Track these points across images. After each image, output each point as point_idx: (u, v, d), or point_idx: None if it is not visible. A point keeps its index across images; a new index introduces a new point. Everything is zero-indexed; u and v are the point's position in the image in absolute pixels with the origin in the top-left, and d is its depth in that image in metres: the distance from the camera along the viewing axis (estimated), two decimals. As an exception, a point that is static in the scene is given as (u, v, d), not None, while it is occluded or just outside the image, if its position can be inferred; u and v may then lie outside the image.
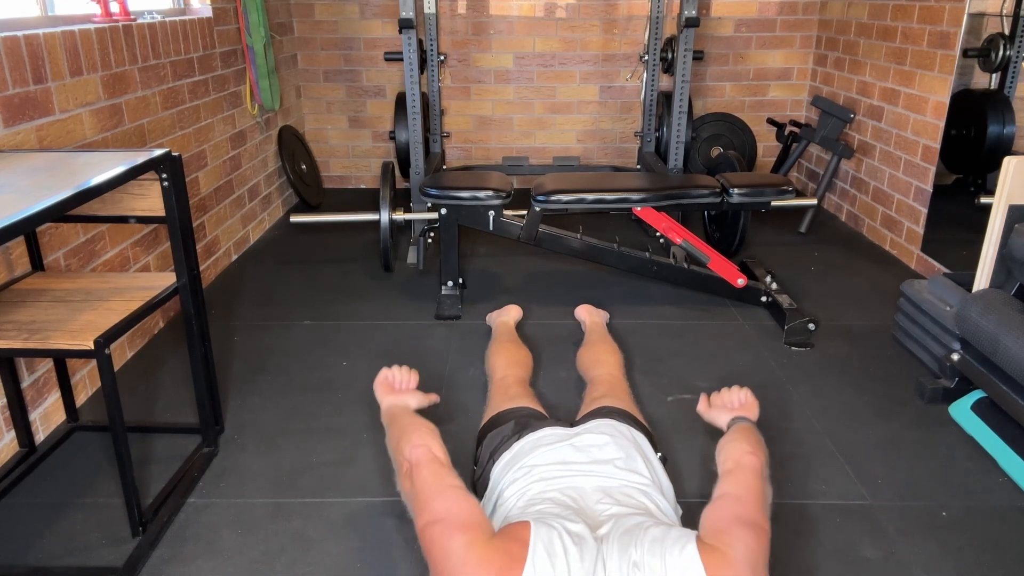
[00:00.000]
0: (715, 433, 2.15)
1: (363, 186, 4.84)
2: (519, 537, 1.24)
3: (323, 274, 3.35)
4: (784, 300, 2.83)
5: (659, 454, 1.74)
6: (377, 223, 3.15)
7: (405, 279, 3.31)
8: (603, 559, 1.22)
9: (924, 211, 3.34)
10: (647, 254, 2.98)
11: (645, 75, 4.17)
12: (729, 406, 1.78)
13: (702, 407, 1.83)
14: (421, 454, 1.43)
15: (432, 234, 3.55)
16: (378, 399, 1.73)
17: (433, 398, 1.79)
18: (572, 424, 1.81)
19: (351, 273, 3.36)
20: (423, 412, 1.70)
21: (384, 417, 1.68)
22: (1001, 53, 3.23)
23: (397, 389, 1.75)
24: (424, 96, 3.96)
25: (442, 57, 4.27)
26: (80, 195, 1.46)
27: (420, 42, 3.66)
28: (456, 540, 1.23)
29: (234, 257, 3.55)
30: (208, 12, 3.29)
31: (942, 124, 3.20)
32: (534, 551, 1.22)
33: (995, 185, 2.17)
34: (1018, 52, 3.20)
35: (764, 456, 1.53)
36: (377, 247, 3.48)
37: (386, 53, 3.72)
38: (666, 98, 4.02)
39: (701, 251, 2.92)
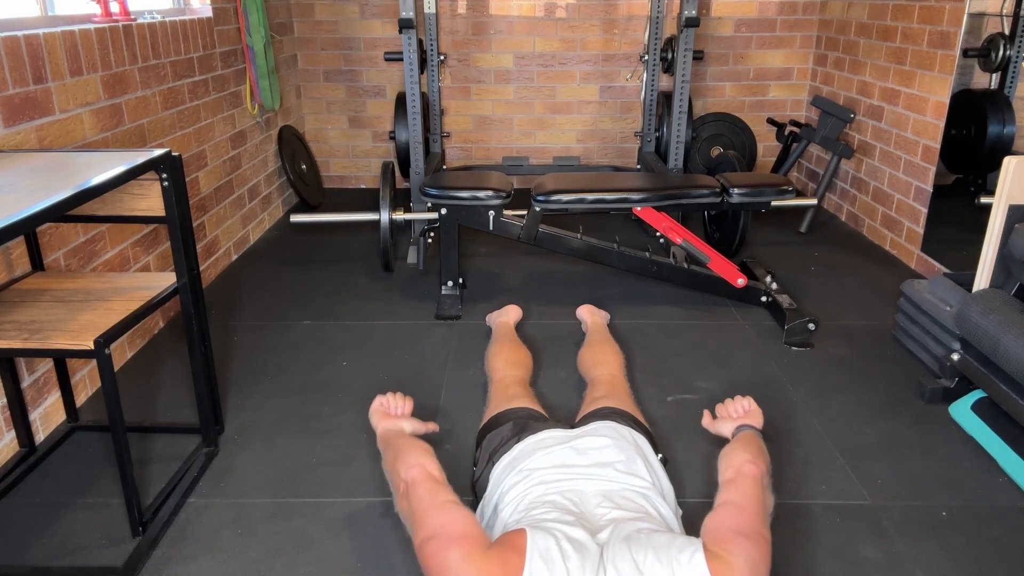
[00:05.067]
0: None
1: (363, 186, 4.84)
2: (515, 546, 1.25)
3: (323, 274, 3.35)
4: (784, 300, 2.83)
5: (660, 455, 1.74)
6: (377, 223, 3.15)
7: (405, 279, 3.31)
8: (604, 566, 1.22)
9: (924, 211, 3.34)
10: (647, 254, 2.97)
11: (645, 75, 4.17)
12: (734, 415, 1.80)
13: (706, 421, 1.85)
14: (416, 473, 1.45)
15: (432, 234, 3.55)
16: (373, 426, 1.75)
17: (431, 427, 1.80)
18: (572, 425, 1.81)
19: (351, 273, 3.36)
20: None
21: (379, 442, 1.69)
22: (1001, 53, 3.23)
23: (392, 416, 1.77)
24: (424, 96, 3.96)
25: (442, 57, 4.27)
26: (80, 195, 1.46)
27: (420, 42, 3.66)
28: (452, 553, 1.24)
29: (234, 257, 3.55)
30: (208, 12, 3.29)
31: (942, 124, 3.20)
32: (531, 559, 1.22)
33: (995, 185, 2.17)
34: (1018, 52, 3.20)
35: (765, 465, 1.54)
36: (377, 247, 3.48)
37: (386, 53, 3.71)
38: (666, 98, 4.02)
39: (701, 251, 2.92)
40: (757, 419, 1.77)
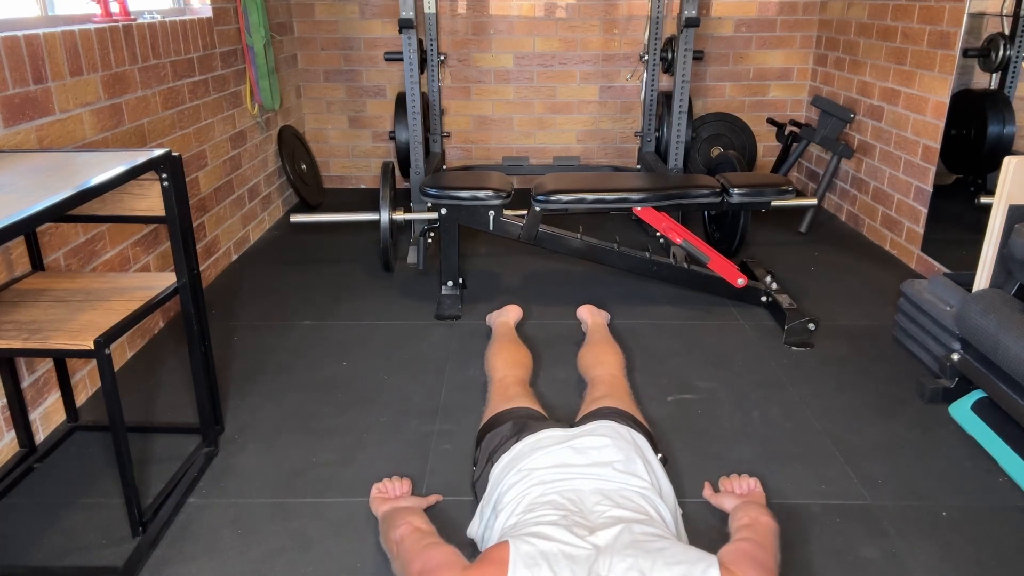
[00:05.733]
0: (715, 431, 2.16)
1: (363, 186, 4.84)
2: (497, 559, 1.27)
3: (323, 274, 3.35)
4: (784, 300, 2.83)
5: (659, 455, 1.74)
6: (377, 223, 3.15)
7: (405, 279, 3.31)
8: (597, 571, 1.22)
9: (924, 211, 3.34)
10: (647, 254, 2.97)
11: (645, 75, 4.17)
12: (738, 492, 1.81)
13: (707, 493, 1.86)
14: (404, 530, 1.52)
15: (432, 234, 3.55)
16: (375, 512, 1.77)
17: (432, 500, 1.82)
18: (572, 425, 1.81)
19: (351, 273, 3.36)
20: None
21: (380, 525, 1.72)
22: (1001, 53, 3.23)
23: (392, 499, 1.79)
24: (424, 96, 3.96)
25: (442, 57, 4.27)
26: (80, 195, 1.46)
27: (420, 42, 3.66)
28: None
29: (234, 257, 3.55)
30: (208, 12, 3.29)
31: (942, 124, 3.20)
32: (514, 568, 1.23)
33: (995, 185, 2.17)
34: (1018, 52, 3.20)
35: (777, 527, 1.58)
36: (377, 247, 3.48)
37: (386, 53, 3.71)
38: (666, 98, 4.02)
39: (701, 251, 2.92)
40: (760, 500, 1.78)
